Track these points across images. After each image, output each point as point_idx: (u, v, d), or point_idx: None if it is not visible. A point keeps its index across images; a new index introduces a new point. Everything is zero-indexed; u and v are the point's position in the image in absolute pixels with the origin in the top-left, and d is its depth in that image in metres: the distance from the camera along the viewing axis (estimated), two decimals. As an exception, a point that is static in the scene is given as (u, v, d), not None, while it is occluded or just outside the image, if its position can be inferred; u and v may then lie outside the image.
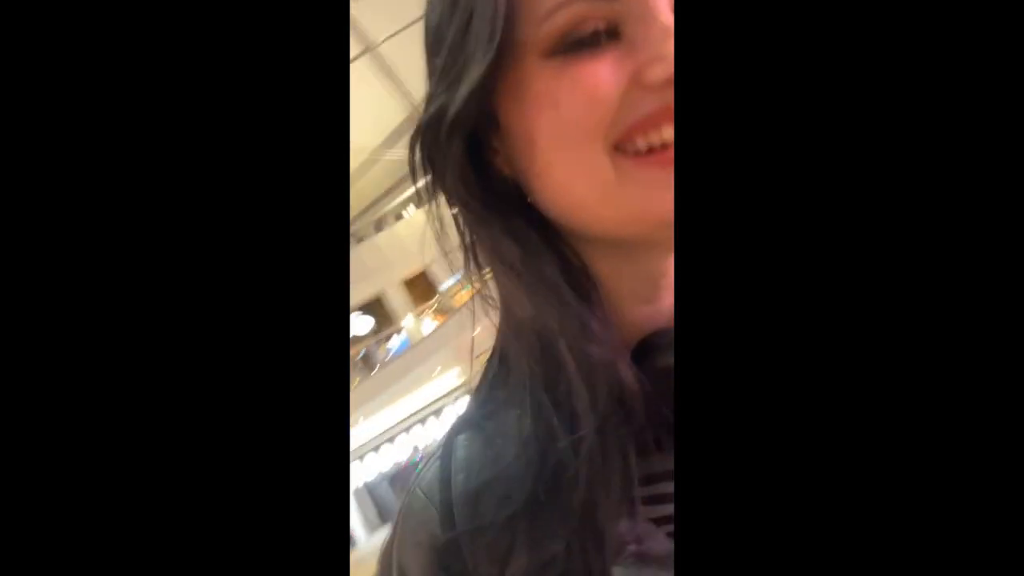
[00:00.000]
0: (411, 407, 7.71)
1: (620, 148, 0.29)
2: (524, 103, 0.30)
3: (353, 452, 7.43)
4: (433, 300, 9.59)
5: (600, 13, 0.28)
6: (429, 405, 7.53)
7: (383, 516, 8.78)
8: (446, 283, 8.36)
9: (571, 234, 0.34)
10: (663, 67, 0.28)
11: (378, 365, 9.10)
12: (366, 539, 8.39)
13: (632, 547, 0.30)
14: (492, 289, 0.37)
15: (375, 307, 10.46)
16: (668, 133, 0.29)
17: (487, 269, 0.36)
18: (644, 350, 0.34)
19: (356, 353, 9.63)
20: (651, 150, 0.29)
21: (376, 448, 7.84)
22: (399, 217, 11.46)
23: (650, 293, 0.34)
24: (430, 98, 0.33)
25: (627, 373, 0.32)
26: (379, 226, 11.56)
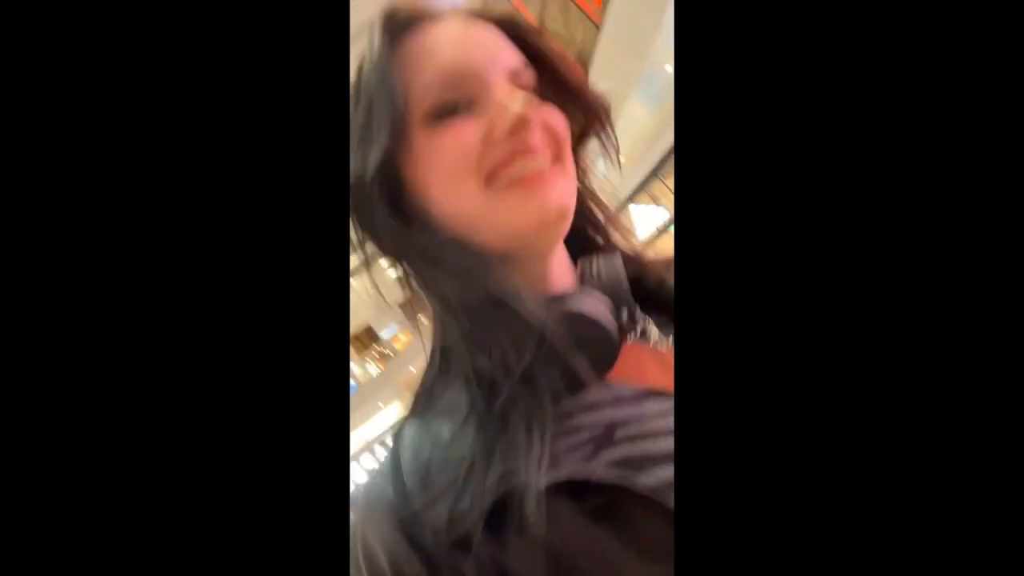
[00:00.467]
0: (361, 438, 9.19)
1: (490, 182, 0.39)
2: (417, 160, 0.40)
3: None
4: (374, 349, 11.16)
5: (458, 94, 0.40)
6: (377, 437, 9.07)
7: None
8: (386, 333, 10.09)
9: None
10: (502, 125, 0.38)
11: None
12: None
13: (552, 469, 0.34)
14: (426, 304, 0.44)
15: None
16: (521, 168, 0.39)
17: (421, 294, 0.43)
18: (552, 302, 0.40)
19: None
20: (513, 181, 0.39)
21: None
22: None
23: (543, 287, 0.42)
24: (352, 170, 0.41)
25: (549, 322, 0.37)
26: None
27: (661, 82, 6.58)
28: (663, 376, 0.42)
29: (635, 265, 0.47)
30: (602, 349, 0.40)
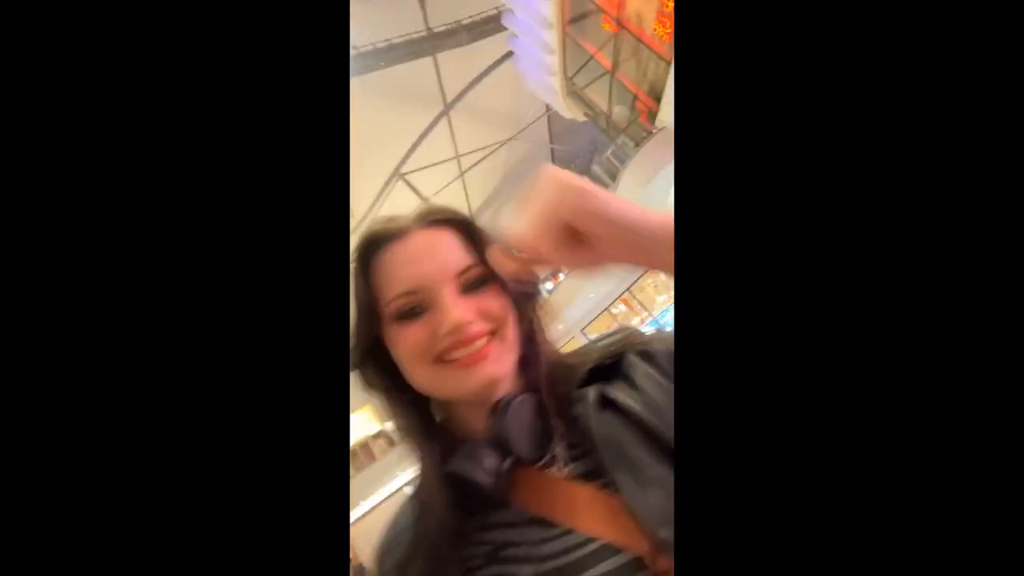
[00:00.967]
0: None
1: (438, 363, 0.53)
2: (392, 344, 0.56)
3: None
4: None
5: (414, 302, 0.53)
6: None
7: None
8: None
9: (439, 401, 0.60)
10: (445, 327, 0.52)
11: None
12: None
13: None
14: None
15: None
16: (460, 353, 0.52)
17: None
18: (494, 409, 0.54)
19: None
20: (454, 361, 0.53)
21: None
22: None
23: (478, 423, 0.56)
24: (351, 350, 0.57)
25: (476, 469, 0.51)
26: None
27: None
28: (551, 506, 0.51)
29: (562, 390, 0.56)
30: (480, 496, 0.51)
